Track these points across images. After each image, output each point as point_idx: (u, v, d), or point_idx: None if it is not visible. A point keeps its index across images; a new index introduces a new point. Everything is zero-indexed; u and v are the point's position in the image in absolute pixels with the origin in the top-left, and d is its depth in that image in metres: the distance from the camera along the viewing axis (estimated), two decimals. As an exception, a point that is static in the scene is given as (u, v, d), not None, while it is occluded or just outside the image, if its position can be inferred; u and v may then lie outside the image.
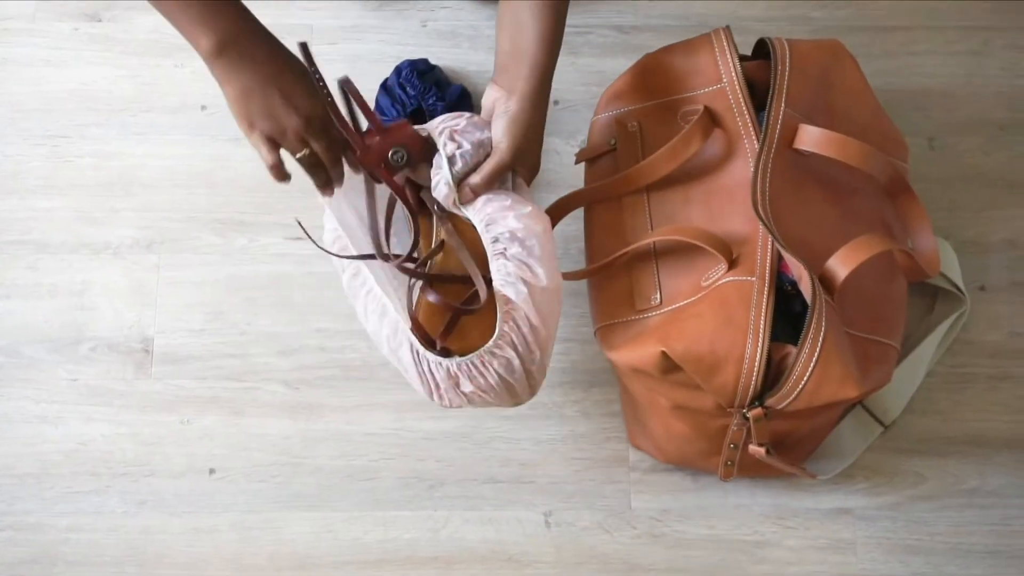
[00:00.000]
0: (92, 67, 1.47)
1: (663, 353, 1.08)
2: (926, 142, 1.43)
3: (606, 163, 1.24)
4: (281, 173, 1.09)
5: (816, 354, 1.03)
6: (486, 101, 1.13)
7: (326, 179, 1.11)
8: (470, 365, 1.05)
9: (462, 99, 1.40)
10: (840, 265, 1.06)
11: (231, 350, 1.35)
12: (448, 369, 1.06)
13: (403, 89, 1.39)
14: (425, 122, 1.33)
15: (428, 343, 1.08)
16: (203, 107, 1.44)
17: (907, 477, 1.30)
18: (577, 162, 1.28)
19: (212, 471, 1.31)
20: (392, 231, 1.19)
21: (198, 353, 1.35)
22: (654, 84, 1.23)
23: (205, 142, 1.43)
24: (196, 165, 1.42)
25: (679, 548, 1.28)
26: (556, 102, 1.44)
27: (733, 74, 1.19)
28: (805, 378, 1.04)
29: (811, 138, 1.14)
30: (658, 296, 1.13)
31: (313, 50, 1.44)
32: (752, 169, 1.12)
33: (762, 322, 1.05)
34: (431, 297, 1.11)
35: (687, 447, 1.22)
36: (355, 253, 1.13)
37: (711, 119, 1.17)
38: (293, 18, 1.48)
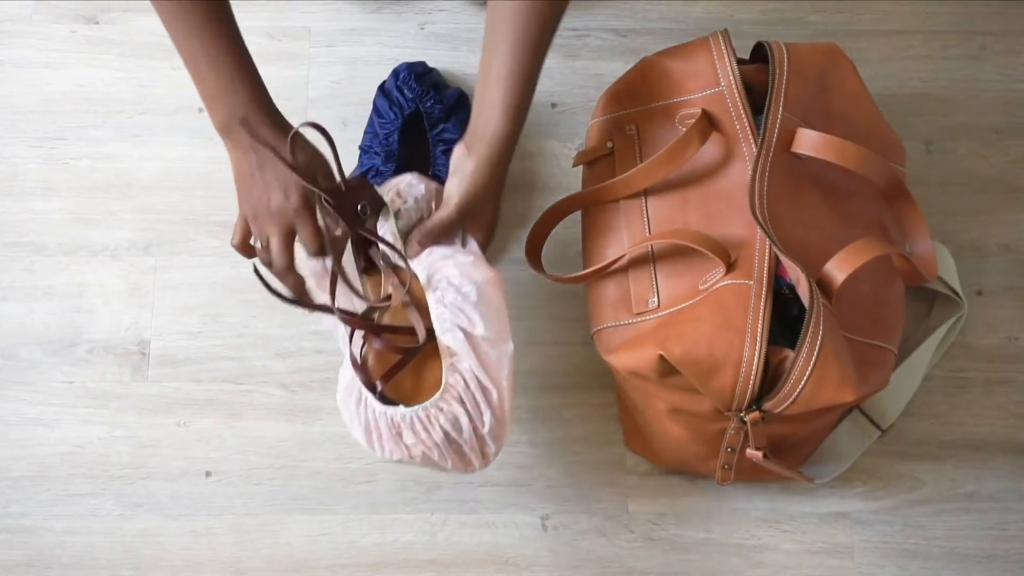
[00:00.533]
0: (89, 69, 1.47)
1: (660, 356, 1.08)
2: (923, 146, 1.43)
3: (604, 166, 1.24)
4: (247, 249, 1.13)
5: (814, 358, 1.03)
6: (453, 157, 1.14)
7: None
8: (415, 417, 1.04)
9: (460, 102, 1.40)
10: (838, 269, 1.06)
11: (228, 352, 1.35)
12: (391, 418, 1.05)
13: (401, 92, 1.39)
14: (425, 125, 1.34)
15: (370, 387, 1.07)
16: (200, 109, 1.44)
17: (904, 481, 1.30)
18: (575, 165, 1.28)
19: (208, 474, 1.31)
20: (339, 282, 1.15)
21: (195, 355, 1.35)
22: (651, 87, 1.23)
23: (202, 144, 1.43)
24: (193, 167, 1.42)
25: (676, 552, 1.28)
26: (554, 105, 1.44)
27: (731, 77, 1.19)
28: (803, 382, 1.04)
29: (809, 142, 1.14)
30: (656, 299, 1.13)
31: (311, 52, 1.46)
32: (750, 173, 1.12)
33: (760, 326, 1.05)
34: (376, 344, 1.10)
35: (684, 451, 1.22)
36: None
37: (709, 122, 1.17)
38: (291, 20, 1.48)
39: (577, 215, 1.25)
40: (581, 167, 1.28)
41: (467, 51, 1.47)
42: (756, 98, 1.20)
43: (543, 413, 1.32)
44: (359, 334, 1.12)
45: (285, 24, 1.48)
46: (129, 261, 1.38)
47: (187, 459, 1.31)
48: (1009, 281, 1.38)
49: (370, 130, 1.40)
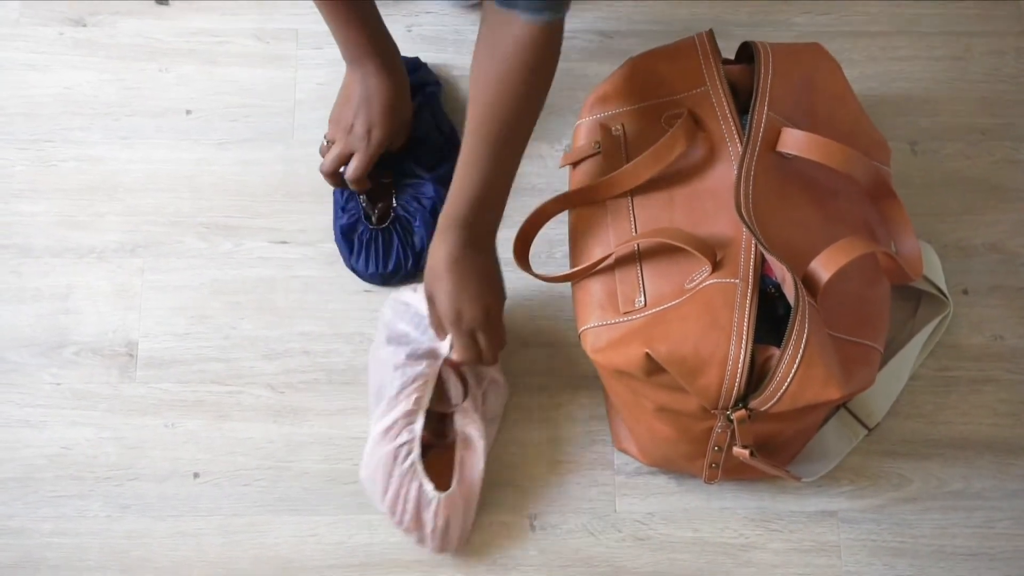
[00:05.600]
0: (76, 71, 1.47)
1: (647, 355, 1.08)
2: (908, 147, 1.44)
3: (590, 166, 1.24)
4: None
5: (799, 356, 1.04)
6: None
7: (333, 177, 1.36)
8: (439, 501, 1.22)
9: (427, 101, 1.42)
10: (823, 267, 1.06)
11: (215, 354, 1.35)
12: (424, 496, 1.22)
13: None
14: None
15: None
16: (187, 111, 1.44)
17: (891, 479, 1.31)
18: (562, 166, 1.28)
19: (196, 475, 1.31)
20: None
21: (182, 357, 1.35)
22: (638, 88, 1.24)
23: (189, 146, 1.43)
24: (180, 169, 1.42)
25: (664, 551, 1.28)
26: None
27: (716, 78, 1.20)
28: (788, 380, 1.04)
29: (794, 141, 1.14)
30: (642, 298, 1.13)
31: (298, 54, 1.46)
32: (735, 172, 1.13)
33: (746, 324, 1.05)
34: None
35: (671, 450, 1.22)
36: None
37: (694, 122, 1.18)
38: (278, 22, 1.48)
39: (563, 215, 1.26)
40: (568, 168, 1.29)
41: (453, 53, 1.48)
42: (741, 98, 1.21)
43: (530, 413, 1.32)
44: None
45: (272, 26, 1.48)
46: (116, 263, 1.38)
47: (175, 460, 1.31)
48: (994, 280, 1.38)
49: None
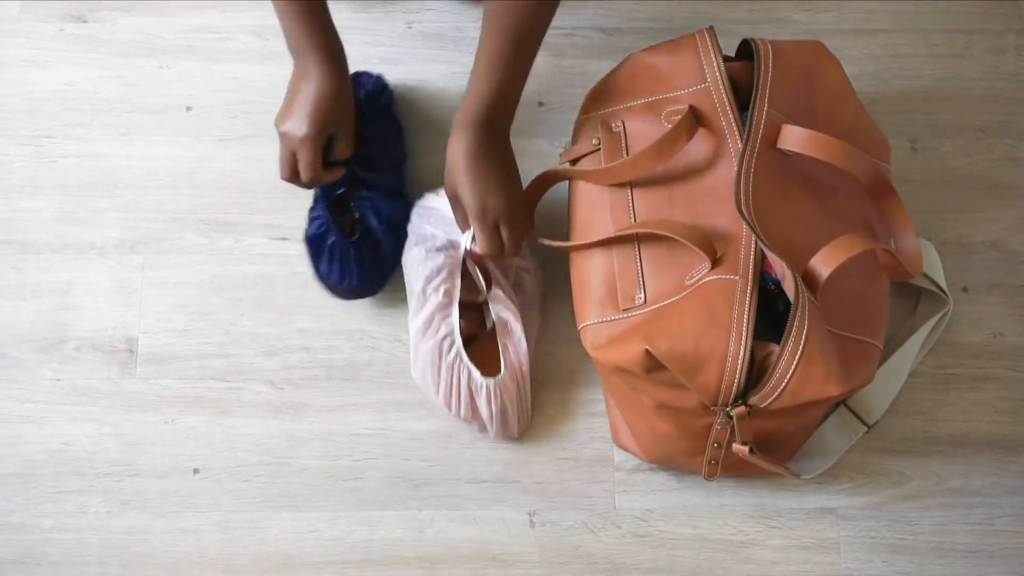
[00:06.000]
0: (77, 68, 1.47)
1: (647, 351, 1.08)
2: (908, 144, 1.44)
3: (590, 164, 1.24)
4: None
5: (799, 352, 1.04)
6: None
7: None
8: (488, 387, 1.24)
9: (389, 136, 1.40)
10: (823, 264, 1.06)
11: (215, 350, 1.35)
12: (476, 383, 1.25)
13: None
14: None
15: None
16: (188, 108, 1.44)
17: (891, 477, 1.31)
18: (562, 163, 1.28)
19: (196, 471, 1.31)
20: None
21: (182, 353, 1.35)
22: (638, 84, 1.24)
23: (189, 143, 1.43)
24: (180, 166, 1.42)
25: (664, 548, 1.28)
26: (541, 103, 1.44)
27: (717, 74, 1.20)
28: (788, 376, 1.04)
29: (794, 138, 1.14)
30: (642, 295, 1.14)
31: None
32: (736, 169, 1.13)
33: (745, 320, 1.06)
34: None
35: (671, 446, 1.22)
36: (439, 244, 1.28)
37: (695, 118, 1.18)
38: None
39: (563, 213, 1.26)
40: (567, 164, 1.28)
41: (454, 50, 1.48)
42: (742, 95, 1.20)
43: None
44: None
45: (272, 23, 1.47)
46: (116, 259, 1.38)
47: (175, 456, 1.31)
48: (994, 278, 1.38)
49: None
